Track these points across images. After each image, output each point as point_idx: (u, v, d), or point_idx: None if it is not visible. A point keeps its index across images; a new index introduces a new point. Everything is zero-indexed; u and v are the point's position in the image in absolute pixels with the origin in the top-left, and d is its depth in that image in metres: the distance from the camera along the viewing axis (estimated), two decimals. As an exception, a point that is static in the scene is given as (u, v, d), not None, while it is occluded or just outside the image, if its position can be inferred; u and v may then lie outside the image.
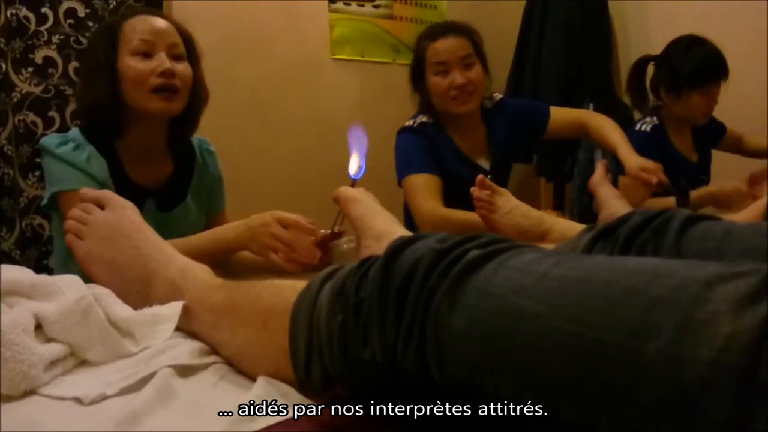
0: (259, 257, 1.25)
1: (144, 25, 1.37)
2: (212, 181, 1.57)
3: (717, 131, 2.37)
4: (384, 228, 1.05)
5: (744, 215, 1.44)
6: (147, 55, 1.35)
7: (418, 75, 2.00)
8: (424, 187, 1.89)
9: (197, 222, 1.53)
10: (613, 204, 1.62)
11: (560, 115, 2.12)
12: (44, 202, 1.36)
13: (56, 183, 1.33)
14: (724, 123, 2.38)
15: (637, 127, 2.24)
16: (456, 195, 1.91)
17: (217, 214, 1.59)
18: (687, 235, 0.67)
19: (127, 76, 1.35)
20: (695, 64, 2.08)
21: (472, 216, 1.58)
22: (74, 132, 1.39)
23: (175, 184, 1.49)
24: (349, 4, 2.87)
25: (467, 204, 1.57)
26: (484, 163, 2.03)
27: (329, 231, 1.30)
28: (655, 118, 2.23)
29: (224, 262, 1.36)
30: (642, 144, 2.20)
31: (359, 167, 1.21)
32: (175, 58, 1.38)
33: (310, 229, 1.22)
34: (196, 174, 1.53)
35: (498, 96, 2.12)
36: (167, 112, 1.39)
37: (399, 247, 0.52)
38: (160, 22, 1.39)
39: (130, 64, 1.35)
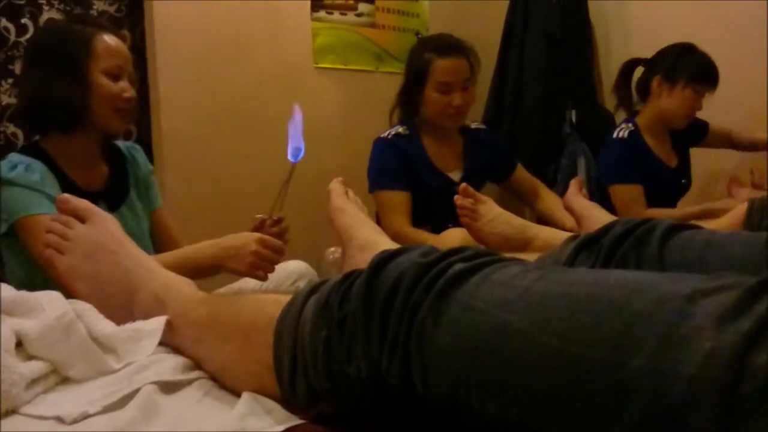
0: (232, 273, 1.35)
1: (118, 47, 1.45)
2: (145, 174, 1.63)
3: (699, 130, 2.39)
4: (368, 239, 1.05)
5: (725, 222, 1.45)
6: (117, 77, 1.43)
7: (415, 84, 2.03)
8: (393, 206, 1.99)
9: (144, 218, 1.58)
10: (594, 215, 1.61)
11: (522, 174, 2.27)
12: (3, 230, 1.32)
13: (17, 210, 1.30)
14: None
15: (615, 135, 2.26)
16: (427, 204, 2.00)
17: (157, 210, 1.64)
18: (669, 245, 0.68)
19: (98, 92, 1.40)
20: (697, 62, 2.16)
21: (434, 239, 1.66)
22: (14, 156, 1.38)
23: (117, 183, 1.54)
24: (332, 13, 2.86)
25: (438, 213, 1.59)
26: (455, 176, 2.08)
27: (267, 217, 1.32)
28: (630, 124, 2.25)
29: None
30: (622, 150, 2.23)
31: (297, 149, 1.23)
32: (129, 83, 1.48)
33: (282, 249, 1.35)
34: (130, 170, 1.59)
35: (482, 126, 2.25)
36: (122, 131, 1.52)
37: (383, 261, 0.52)
38: (125, 47, 1.48)
39: (103, 81, 1.41)
